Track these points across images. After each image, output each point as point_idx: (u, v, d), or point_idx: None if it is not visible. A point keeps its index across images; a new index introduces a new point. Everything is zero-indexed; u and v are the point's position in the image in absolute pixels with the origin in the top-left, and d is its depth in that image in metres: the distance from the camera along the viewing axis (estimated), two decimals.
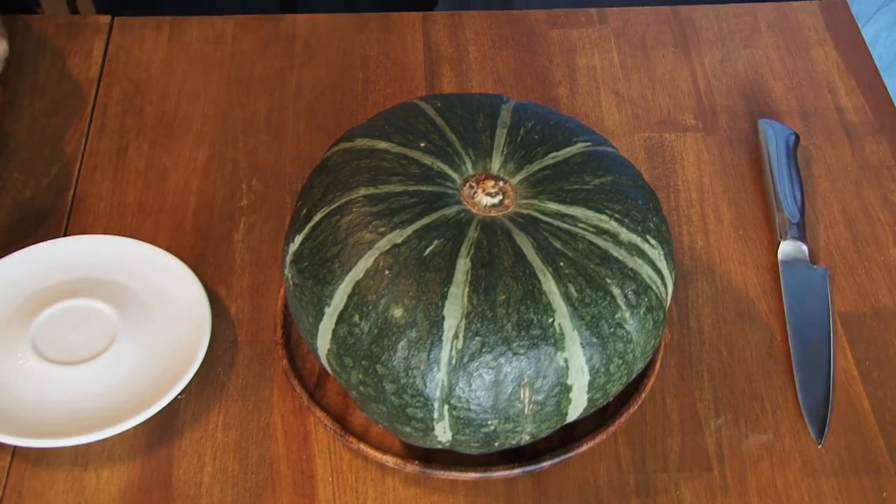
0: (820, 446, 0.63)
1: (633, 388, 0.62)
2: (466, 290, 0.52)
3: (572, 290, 0.53)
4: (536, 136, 0.60)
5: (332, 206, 0.56)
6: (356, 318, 0.53)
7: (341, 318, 0.54)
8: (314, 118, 0.81)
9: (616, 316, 0.54)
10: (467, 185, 0.57)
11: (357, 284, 0.54)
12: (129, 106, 0.81)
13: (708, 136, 0.80)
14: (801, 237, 0.72)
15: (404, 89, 0.83)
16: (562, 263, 0.54)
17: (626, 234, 0.56)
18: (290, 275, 0.58)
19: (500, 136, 0.60)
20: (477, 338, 0.52)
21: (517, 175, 0.58)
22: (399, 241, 0.54)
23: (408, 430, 0.55)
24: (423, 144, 0.58)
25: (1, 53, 0.79)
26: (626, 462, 0.62)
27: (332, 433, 0.61)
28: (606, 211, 0.56)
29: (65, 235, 0.73)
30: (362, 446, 0.60)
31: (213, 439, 0.63)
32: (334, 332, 0.54)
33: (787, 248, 0.71)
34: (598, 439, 0.60)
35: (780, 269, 0.71)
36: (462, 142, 0.59)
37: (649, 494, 0.61)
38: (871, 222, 0.75)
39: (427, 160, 0.58)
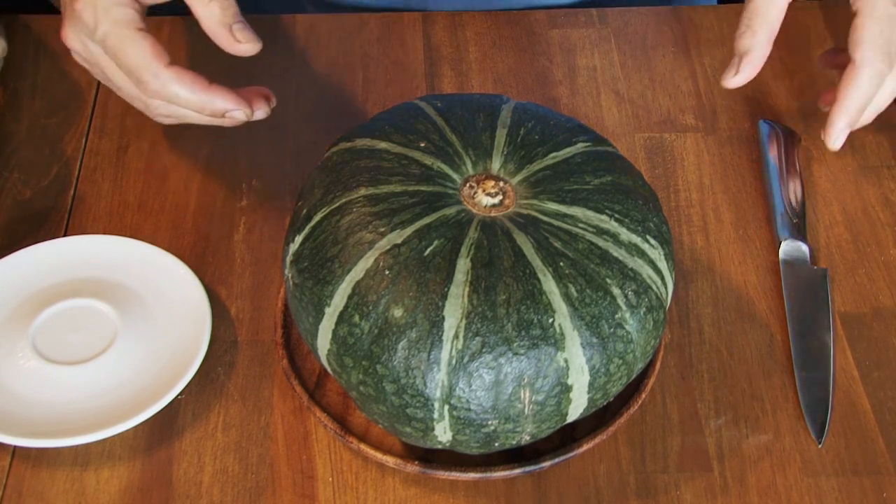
0: (820, 446, 0.63)
1: (633, 388, 0.62)
2: (466, 290, 0.52)
3: (572, 290, 0.53)
4: (536, 136, 0.60)
5: (332, 206, 0.56)
6: (356, 318, 0.53)
7: (341, 319, 0.54)
8: (314, 118, 0.81)
9: (616, 316, 0.54)
10: (467, 185, 0.57)
11: (357, 284, 0.54)
12: (129, 106, 0.81)
13: (708, 136, 0.80)
14: (802, 237, 0.72)
15: (404, 89, 0.83)
16: (562, 263, 0.54)
17: (626, 235, 0.56)
18: (290, 275, 0.58)
19: (500, 136, 0.60)
20: (477, 338, 0.52)
21: (517, 175, 0.58)
22: (399, 241, 0.54)
23: (408, 430, 0.55)
24: (423, 145, 0.58)
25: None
26: (626, 462, 0.62)
27: (332, 433, 0.61)
28: (606, 211, 0.56)
29: (65, 235, 0.73)
30: (362, 446, 0.60)
31: (213, 439, 0.63)
32: (334, 332, 0.54)
33: (788, 248, 0.71)
34: (598, 439, 0.60)
35: (781, 269, 0.71)
36: (462, 142, 0.59)
37: (649, 494, 0.61)
38: (871, 222, 0.75)
39: (427, 160, 0.58)
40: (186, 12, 0.68)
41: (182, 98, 0.68)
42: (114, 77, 0.70)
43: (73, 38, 0.69)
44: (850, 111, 0.71)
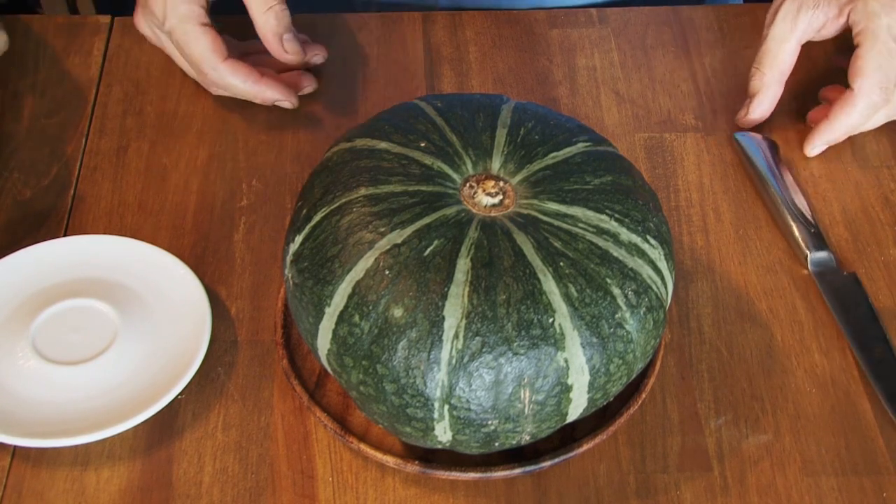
0: None
1: (633, 388, 0.62)
2: (466, 290, 0.52)
3: (572, 290, 0.53)
4: (536, 136, 0.60)
5: (332, 206, 0.56)
6: (356, 318, 0.53)
7: (341, 318, 0.54)
8: (314, 118, 0.81)
9: (616, 316, 0.54)
10: (467, 185, 0.57)
11: (357, 284, 0.54)
12: (129, 106, 0.81)
13: (708, 136, 0.80)
14: (824, 246, 0.71)
15: (404, 89, 0.83)
16: (562, 263, 0.54)
17: (626, 234, 0.56)
18: (290, 275, 0.58)
19: (500, 136, 0.60)
20: (477, 338, 0.52)
21: (517, 175, 0.58)
22: (399, 241, 0.54)
23: (408, 430, 0.55)
24: (423, 144, 0.58)
25: (1, 46, 0.79)
26: (626, 462, 0.62)
27: (332, 433, 0.61)
28: (607, 211, 0.56)
29: (65, 235, 0.73)
30: (362, 446, 0.60)
31: (213, 439, 0.63)
32: (334, 332, 0.54)
33: (816, 259, 0.71)
34: (598, 439, 0.60)
35: (816, 283, 0.70)
36: (462, 142, 0.59)
37: (649, 494, 0.61)
38: (871, 222, 0.75)
39: (427, 160, 0.58)
40: (243, 12, 0.76)
41: (237, 89, 0.78)
42: (178, 61, 0.80)
43: (144, 26, 0.80)
44: (836, 133, 0.76)
